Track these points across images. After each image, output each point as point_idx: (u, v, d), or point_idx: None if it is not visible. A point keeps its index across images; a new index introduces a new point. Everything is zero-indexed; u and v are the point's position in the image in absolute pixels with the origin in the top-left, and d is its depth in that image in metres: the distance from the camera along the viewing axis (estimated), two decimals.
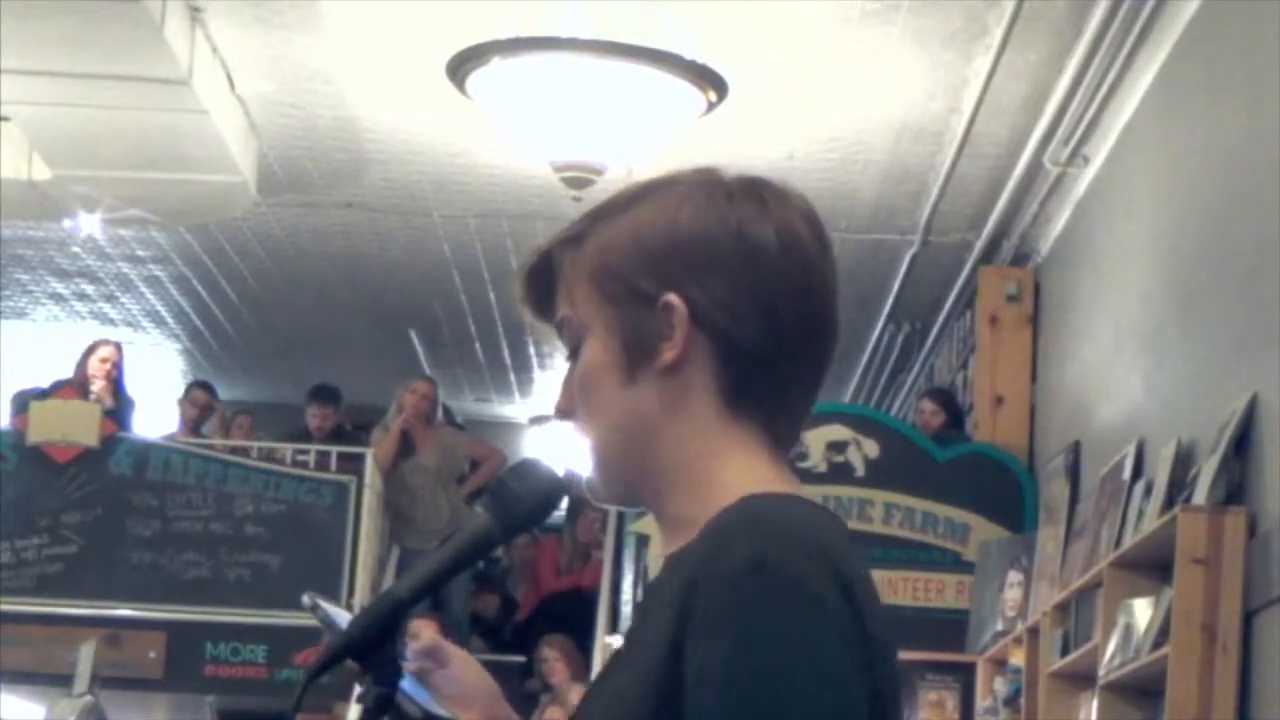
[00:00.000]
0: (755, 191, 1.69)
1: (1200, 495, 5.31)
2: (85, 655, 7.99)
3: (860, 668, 1.51)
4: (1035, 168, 8.06)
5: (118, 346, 10.91)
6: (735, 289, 1.64)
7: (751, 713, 1.47)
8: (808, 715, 1.48)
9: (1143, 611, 5.57)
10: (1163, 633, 5.28)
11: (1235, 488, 5.26)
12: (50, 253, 10.75)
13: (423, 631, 1.77)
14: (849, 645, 1.51)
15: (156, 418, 11.58)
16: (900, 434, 8.76)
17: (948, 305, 10.07)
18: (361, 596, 9.91)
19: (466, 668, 1.72)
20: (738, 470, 1.64)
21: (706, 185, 1.69)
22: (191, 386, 11.88)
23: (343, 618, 1.82)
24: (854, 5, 6.95)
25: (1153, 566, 5.59)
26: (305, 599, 1.80)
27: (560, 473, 1.76)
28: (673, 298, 1.64)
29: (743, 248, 1.65)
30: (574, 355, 1.70)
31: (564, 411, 1.71)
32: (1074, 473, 7.60)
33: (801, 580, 1.51)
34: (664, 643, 1.53)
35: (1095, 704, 5.94)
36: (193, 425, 11.51)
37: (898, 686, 1.58)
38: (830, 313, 1.69)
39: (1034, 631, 7.04)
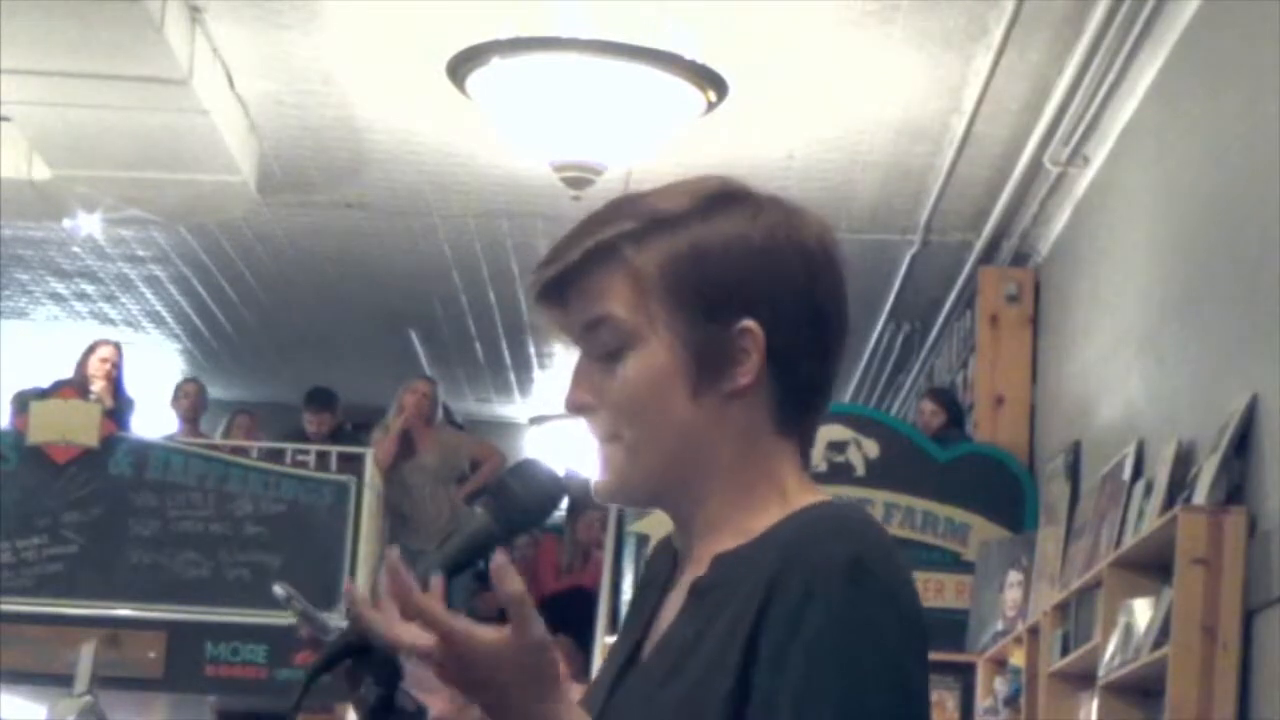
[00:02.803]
0: (799, 212, 1.72)
1: (1200, 495, 5.31)
2: (85, 655, 7.99)
3: (925, 675, 1.60)
4: (1035, 168, 8.06)
5: (117, 346, 10.90)
6: (797, 312, 1.68)
7: (840, 707, 1.53)
8: (891, 712, 1.55)
9: (1143, 611, 5.57)
10: (1163, 633, 5.28)
11: (1235, 488, 5.26)
12: (50, 253, 10.75)
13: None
14: (921, 653, 1.60)
15: (156, 418, 11.58)
16: (900, 434, 8.76)
17: (948, 305, 10.07)
18: None
19: None
20: (789, 481, 1.68)
21: (770, 206, 1.71)
22: (183, 382, 11.86)
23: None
24: (854, 5, 6.94)
25: (1153, 566, 5.59)
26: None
27: (560, 473, 1.76)
28: (753, 325, 1.66)
29: (805, 270, 1.69)
30: (612, 355, 1.69)
31: (582, 407, 1.71)
32: (1074, 473, 7.60)
33: (895, 583, 1.59)
34: (744, 626, 1.57)
35: (1095, 704, 5.94)
36: (190, 418, 11.50)
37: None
38: (847, 330, 1.75)
39: (1034, 631, 7.04)
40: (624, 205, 1.71)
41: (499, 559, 1.61)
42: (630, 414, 1.68)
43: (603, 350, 1.69)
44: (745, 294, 1.66)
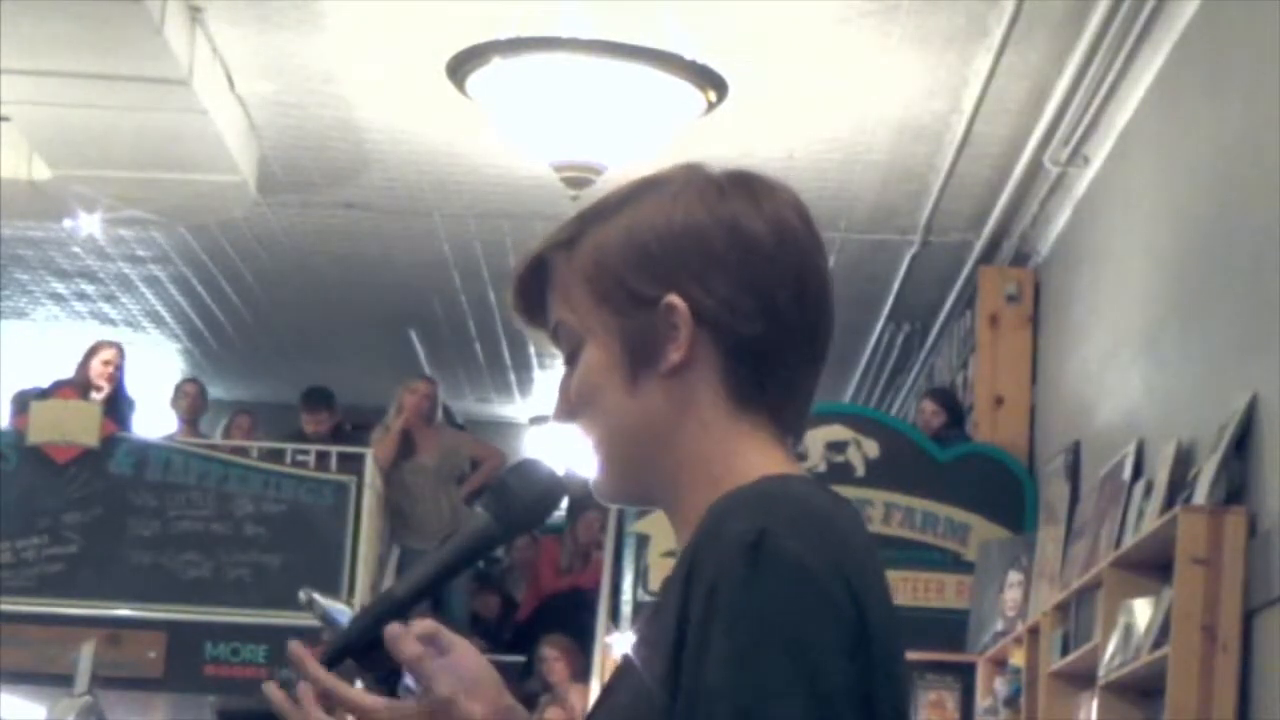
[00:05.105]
0: (745, 186, 1.69)
1: (1200, 495, 5.31)
2: (85, 655, 7.99)
3: (854, 657, 1.50)
4: (1035, 168, 8.06)
5: (119, 348, 10.90)
6: (734, 285, 1.64)
7: (735, 699, 1.47)
8: (793, 704, 1.47)
9: (1143, 611, 5.57)
10: (1163, 633, 5.28)
11: (1235, 488, 5.26)
12: (50, 253, 10.75)
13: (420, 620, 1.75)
14: (845, 634, 1.50)
15: (156, 418, 11.58)
16: (900, 434, 8.76)
17: (948, 305, 10.07)
18: (361, 596, 9.90)
19: (467, 656, 1.71)
20: (753, 458, 1.64)
21: (697, 182, 1.69)
22: (183, 382, 11.88)
23: (339, 610, 1.82)
24: (854, 5, 6.94)
25: (1153, 566, 5.59)
26: (301, 595, 1.81)
27: (560, 473, 1.76)
28: (674, 299, 1.64)
29: (738, 243, 1.65)
30: (572, 359, 1.70)
31: (565, 415, 1.71)
32: (1074, 473, 7.60)
33: (807, 555, 1.51)
34: (672, 627, 1.53)
35: (1095, 704, 5.94)
36: (189, 418, 11.51)
37: (902, 683, 1.57)
38: (827, 302, 1.69)
39: (1034, 631, 7.04)
40: (579, 212, 1.73)
41: (393, 628, 1.64)
42: (585, 413, 1.69)
43: (567, 356, 1.71)
44: (666, 273, 1.64)
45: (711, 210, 1.66)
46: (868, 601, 1.53)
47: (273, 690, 1.68)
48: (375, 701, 1.64)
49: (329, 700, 1.65)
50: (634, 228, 1.67)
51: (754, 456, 1.64)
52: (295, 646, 1.67)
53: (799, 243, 1.68)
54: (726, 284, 1.64)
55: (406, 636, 1.62)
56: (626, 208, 1.69)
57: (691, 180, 1.69)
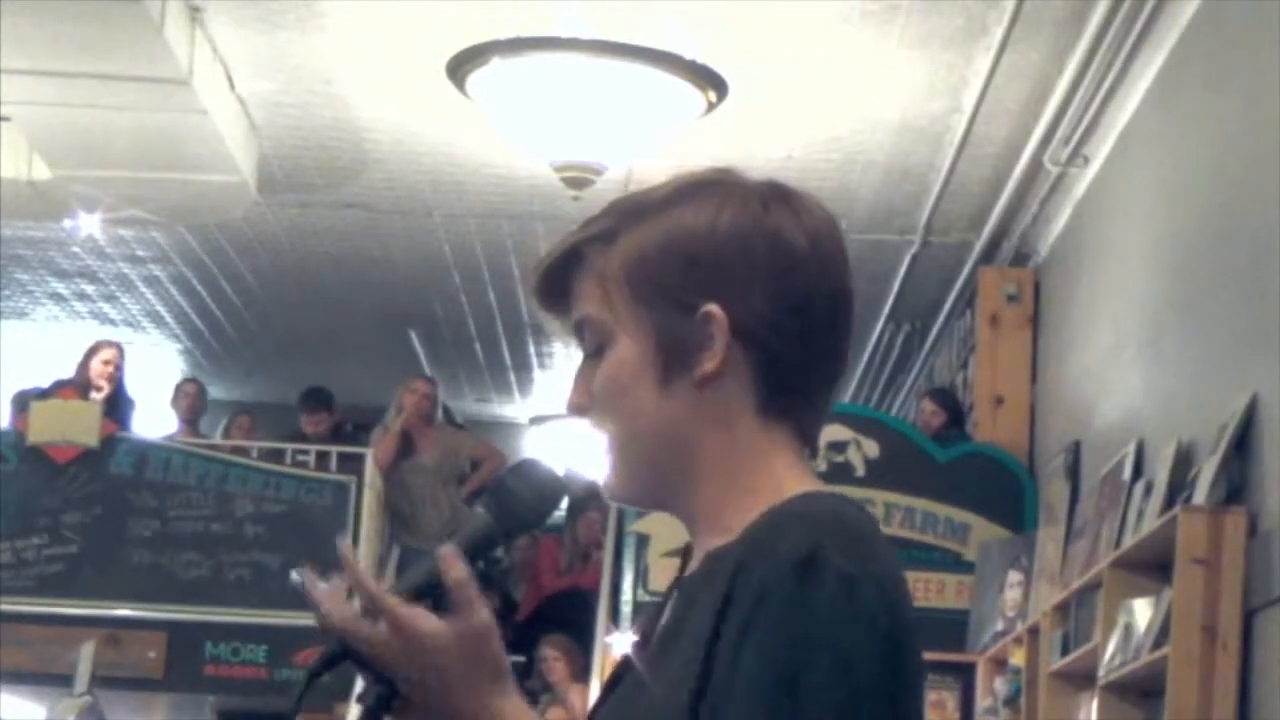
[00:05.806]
0: (785, 200, 1.69)
1: (1200, 495, 5.31)
2: (85, 655, 8.00)
3: (890, 673, 1.53)
4: (1035, 168, 8.06)
5: (119, 348, 10.90)
6: (771, 299, 1.65)
7: (775, 710, 1.49)
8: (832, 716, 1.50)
9: (1143, 611, 5.57)
10: (1163, 633, 5.28)
11: (1235, 488, 5.26)
12: (50, 253, 10.75)
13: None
14: (883, 650, 1.53)
15: (156, 418, 11.58)
16: (900, 434, 8.77)
17: (948, 305, 10.08)
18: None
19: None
20: (780, 474, 1.65)
21: (741, 191, 1.69)
22: (183, 382, 11.89)
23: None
24: (854, 5, 6.94)
25: (1153, 566, 5.59)
26: (294, 574, 1.81)
27: (560, 473, 1.76)
28: (714, 308, 1.64)
29: (779, 257, 1.66)
30: (597, 353, 1.69)
31: (579, 408, 1.71)
32: (1074, 473, 7.60)
33: (857, 576, 1.53)
34: (708, 624, 1.55)
35: (1095, 704, 5.94)
36: (189, 418, 11.51)
37: (922, 690, 1.60)
38: (851, 319, 1.71)
39: (1034, 631, 7.04)
40: (611, 204, 1.72)
41: (445, 548, 1.62)
42: (607, 409, 1.68)
43: (591, 350, 1.70)
44: (707, 280, 1.64)
45: (757, 221, 1.66)
46: (903, 615, 1.56)
47: (307, 577, 1.65)
48: (405, 611, 1.59)
49: (364, 600, 1.61)
50: (677, 230, 1.66)
51: (782, 470, 1.66)
52: (343, 545, 1.64)
53: (835, 261, 1.69)
54: (764, 297, 1.65)
55: (456, 558, 1.61)
56: (671, 209, 1.68)
57: (735, 188, 1.69)
